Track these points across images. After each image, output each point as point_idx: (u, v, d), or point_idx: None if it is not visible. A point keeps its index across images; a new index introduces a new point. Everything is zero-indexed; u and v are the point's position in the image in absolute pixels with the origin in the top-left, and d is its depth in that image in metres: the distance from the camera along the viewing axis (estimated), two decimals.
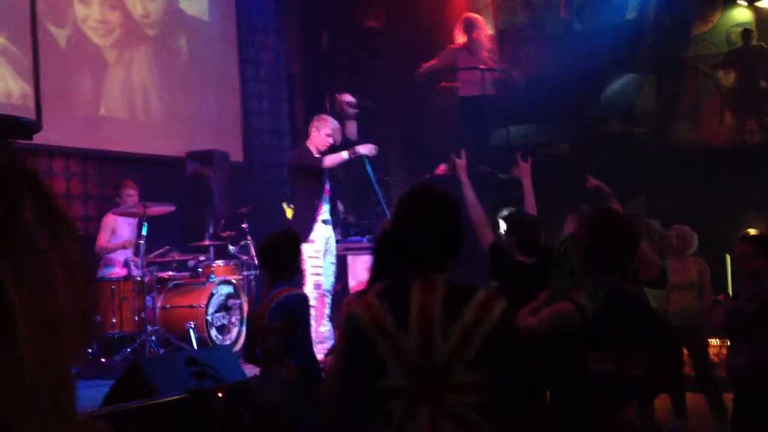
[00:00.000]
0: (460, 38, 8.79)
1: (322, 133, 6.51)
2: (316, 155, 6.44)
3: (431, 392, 2.17)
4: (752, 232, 5.87)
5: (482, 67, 8.73)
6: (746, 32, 10.28)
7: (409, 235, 2.32)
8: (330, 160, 6.40)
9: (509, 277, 4.48)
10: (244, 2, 9.00)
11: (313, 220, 6.26)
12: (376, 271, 3.35)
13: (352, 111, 6.81)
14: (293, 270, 4.14)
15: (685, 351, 5.93)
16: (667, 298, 5.67)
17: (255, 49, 9.11)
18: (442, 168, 8.80)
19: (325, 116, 6.79)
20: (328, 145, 6.51)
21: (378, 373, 2.20)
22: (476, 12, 9.31)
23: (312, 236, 6.19)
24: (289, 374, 3.81)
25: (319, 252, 6.23)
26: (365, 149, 6.58)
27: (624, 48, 9.50)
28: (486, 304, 2.20)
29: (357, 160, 6.83)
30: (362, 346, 2.25)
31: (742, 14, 10.93)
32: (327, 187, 6.50)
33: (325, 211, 6.40)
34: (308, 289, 5.96)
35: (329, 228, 6.43)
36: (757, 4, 10.70)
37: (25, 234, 0.58)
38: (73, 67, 7.10)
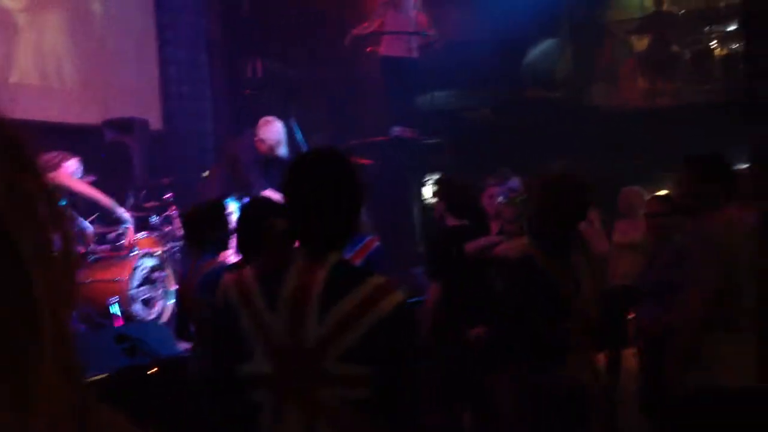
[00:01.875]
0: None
1: (256, 138, 6.36)
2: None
3: (301, 383, 1.94)
4: (661, 192, 6.10)
5: (411, 27, 8.70)
6: None
7: (291, 207, 2.07)
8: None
9: (443, 242, 4.56)
10: None
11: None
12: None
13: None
14: (221, 241, 4.06)
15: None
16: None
17: (173, 14, 8.83)
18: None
19: (267, 119, 6.52)
20: (261, 150, 6.34)
21: (244, 354, 1.96)
22: None
23: None
24: None
25: None
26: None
27: (544, 14, 9.64)
28: (378, 292, 1.94)
29: (289, 129, 6.76)
30: (229, 322, 2.02)
31: None
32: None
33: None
34: None
35: None
36: None
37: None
38: None
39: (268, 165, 6.30)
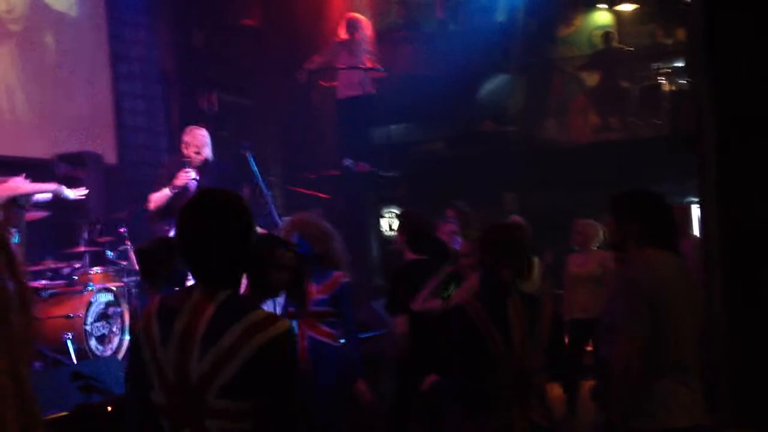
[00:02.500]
0: (343, 35, 8.82)
1: (182, 145, 6.21)
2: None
3: (190, 414, 2.02)
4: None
5: (363, 66, 8.80)
6: (607, 35, 10.92)
7: (182, 247, 2.11)
8: (155, 202, 6.03)
9: (404, 276, 4.58)
10: None
11: None
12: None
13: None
14: (176, 276, 4.01)
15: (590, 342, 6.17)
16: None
17: (126, 46, 8.78)
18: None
19: (190, 127, 6.41)
20: (188, 157, 6.15)
21: (148, 384, 2.08)
22: (356, 12, 9.38)
23: None
24: None
25: None
26: (182, 180, 6.04)
27: (496, 49, 9.85)
28: (255, 326, 1.99)
29: (244, 160, 6.72)
30: (135, 353, 2.17)
31: (602, 17, 11.61)
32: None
33: None
34: None
35: None
36: (617, 7, 11.38)
37: None
38: None
39: (201, 172, 6.23)
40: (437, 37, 10.18)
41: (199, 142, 6.19)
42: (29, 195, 5.90)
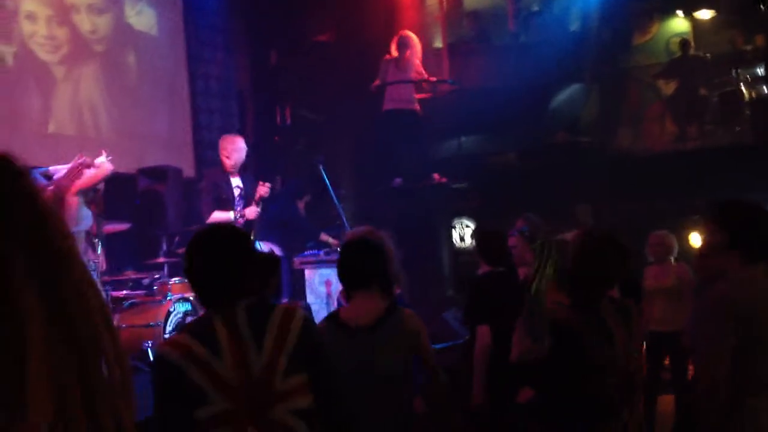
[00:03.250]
0: (393, 52, 8.86)
1: (222, 155, 6.43)
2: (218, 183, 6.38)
3: (255, 409, 2.27)
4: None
5: (414, 77, 8.79)
6: (684, 42, 10.65)
7: (201, 275, 2.41)
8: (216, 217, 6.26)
9: (481, 289, 4.56)
10: (192, 17, 8.95)
11: None
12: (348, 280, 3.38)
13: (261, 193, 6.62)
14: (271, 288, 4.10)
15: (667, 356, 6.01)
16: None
17: (204, 64, 9.07)
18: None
19: (226, 137, 6.64)
20: (229, 167, 6.40)
21: (197, 402, 2.24)
22: (426, 26, 9.43)
23: None
24: None
25: None
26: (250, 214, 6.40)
27: (569, 59, 9.73)
28: (286, 316, 2.37)
29: (317, 172, 6.84)
30: (176, 380, 2.26)
31: (679, 25, 11.34)
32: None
33: None
34: None
35: None
36: (695, 14, 11.10)
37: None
38: (21, 84, 6.97)
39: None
40: (509, 49, 10.13)
41: (238, 148, 6.44)
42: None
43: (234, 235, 2.47)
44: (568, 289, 3.23)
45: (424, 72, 8.90)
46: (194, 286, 2.44)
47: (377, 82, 8.82)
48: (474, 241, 4.88)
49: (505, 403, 4.30)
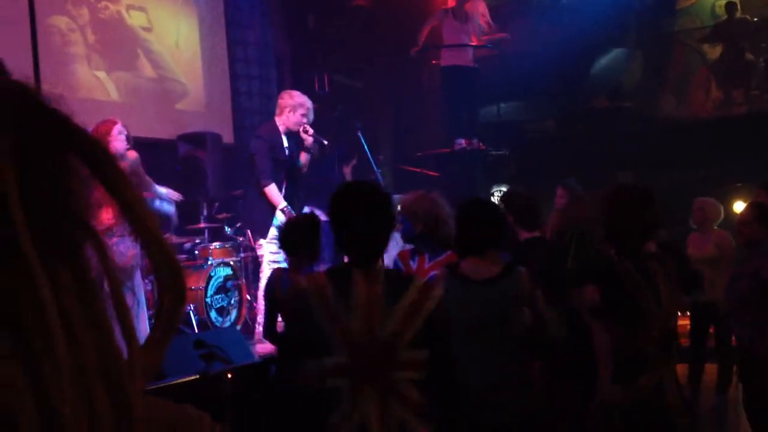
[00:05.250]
0: (451, 1, 8.74)
1: (297, 113, 6.00)
2: (278, 148, 5.96)
3: (376, 370, 2.35)
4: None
5: (468, 42, 8.70)
6: (730, 5, 10.36)
7: (344, 230, 2.49)
8: (269, 193, 5.89)
9: (521, 255, 4.53)
10: None
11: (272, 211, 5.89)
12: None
13: (310, 142, 6.09)
14: (316, 252, 4.13)
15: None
16: None
17: (242, 30, 9.05)
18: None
19: (297, 93, 6.21)
20: (301, 124, 6.01)
21: (322, 349, 2.35)
22: None
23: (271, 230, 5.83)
24: None
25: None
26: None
27: (611, 23, 9.53)
28: (424, 290, 2.44)
29: (355, 138, 6.79)
30: (306, 318, 2.40)
31: None
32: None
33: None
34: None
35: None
36: None
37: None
38: (65, 52, 7.04)
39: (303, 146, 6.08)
40: (550, 11, 9.94)
41: (312, 111, 6.14)
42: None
43: (386, 196, 2.54)
44: (611, 241, 3.24)
45: (487, 31, 8.75)
46: (342, 237, 2.50)
47: (425, 33, 8.73)
48: (504, 206, 4.81)
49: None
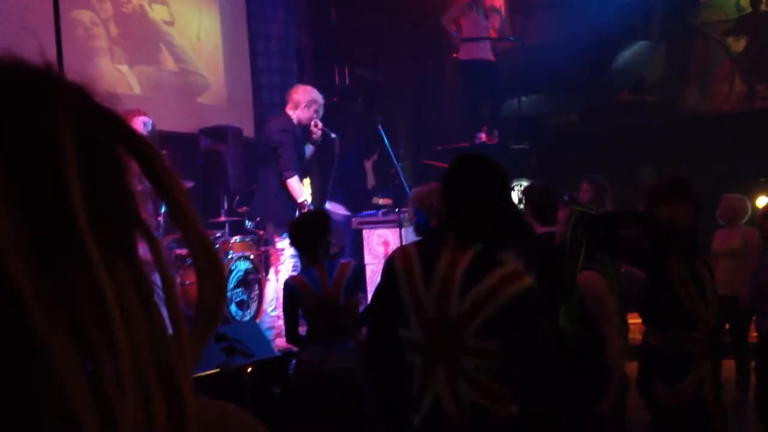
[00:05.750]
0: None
1: (311, 108, 6.12)
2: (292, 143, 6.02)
3: (446, 350, 2.23)
4: None
5: (486, 35, 8.67)
6: None
7: (448, 200, 2.35)
8: (292, 185, 5.97)
9: (533, 249, 4.50)
10: None
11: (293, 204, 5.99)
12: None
13: (318, 135, 6.24)
14: (327, 248, 4.17)
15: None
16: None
17: (264, 24, 9.07)
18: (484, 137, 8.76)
19: (310, 89, 6.29)
20: (313, 119, 6.13)
21: (400, 317, 2.28)
22: None
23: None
24: (359, 342, 3.87)
25: None
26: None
27: (634, 16, 9.44)
28: (507, 277, 2.20)
29: (376, 132, 6.80)
30: (392, 287, 2.34)
31: None
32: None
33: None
34: (286, 271, 5.85)
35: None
36: None
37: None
38: (88, 46, 7.09)
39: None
40: (572, 5, 9.86)
41: (320, 100, 6.26)
42: None
43: (499, 170, 2.35)
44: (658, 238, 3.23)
45: (502, 22, 8.76)
46: (448, 207, 2.35)
47: (453, 25, 8.73)
48: (524, 199, 4.79)
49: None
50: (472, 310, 2.19)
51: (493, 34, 8.78)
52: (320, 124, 6.20)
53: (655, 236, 3.22)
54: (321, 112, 6.20)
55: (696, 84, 10.46)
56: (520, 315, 2.19)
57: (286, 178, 5.96)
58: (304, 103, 6.10)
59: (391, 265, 2.37)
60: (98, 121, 0.60)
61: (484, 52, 8.75)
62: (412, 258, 2.31)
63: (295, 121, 6.12)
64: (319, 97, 6.18)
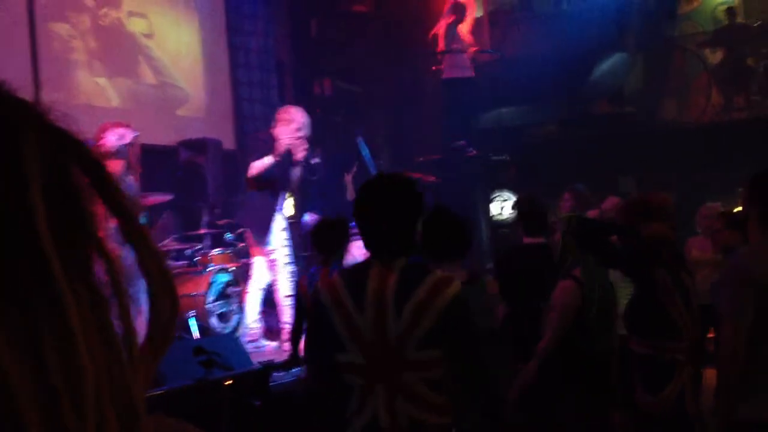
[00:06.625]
0: (449, 17, 8.82)
1: (291, 127, 6.09)
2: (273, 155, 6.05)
3: (386, 369, 2.29)
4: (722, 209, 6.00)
5: (471, 49, 8.74)
6: (731, 10, 10.39)
7: (365, 223, 2.39)
8: (256, 168, 6.05)
9: (520, 260, 4.52)
10: None
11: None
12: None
13: (300, 157, 6.32)
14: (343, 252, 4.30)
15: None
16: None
17: (244, 36, 9.07)
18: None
19: (293, 109, 6.33)
20: (296, 139, 6.11)
21: (337, 347, 2.33)
22: None
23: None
24: None
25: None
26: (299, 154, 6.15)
27: (612, 28, 9.54)
28: (437, 286, 2.28)
29: (355, 145, 6.82)
30: (323, 321, 2.37)
31: None
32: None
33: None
34: (284, 279, 6.03)
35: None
36: None
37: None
38: (66, 59, 7.06)
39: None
40: (551, 17, 9.96)
41: (308, 125, 6.31)
42: None
43: (409, 187, 2.41)
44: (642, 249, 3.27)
45: (476, 39, 8.85)
46: (361, 232, 2.40)
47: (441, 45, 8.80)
48: (517, 210, 4.82)
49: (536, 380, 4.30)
50: (410, 324, 2.25)
51: (472, 48, 8.84)
52: (302, 148, 6.18)
53: (639, 247, 3.26)
54: (306, 131, 6.19)
55: (674, 95, 10.58)
56: (456, 318, 2.28)
57: (250, 170, 6.04)
58: (282, 122, 6.12)
59: (317, 299, 2.43)
60: (55, 143, 0.60)
61: (464, 68, 8.82)
62: (339, 288, 2.35)
63: (278, 139, 6.10)
64: (302, 118, 6.19)
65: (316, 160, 6.48)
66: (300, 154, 6.16)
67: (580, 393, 3.68)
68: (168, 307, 0.62)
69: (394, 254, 2.33)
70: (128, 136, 5.48)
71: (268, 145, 6.08)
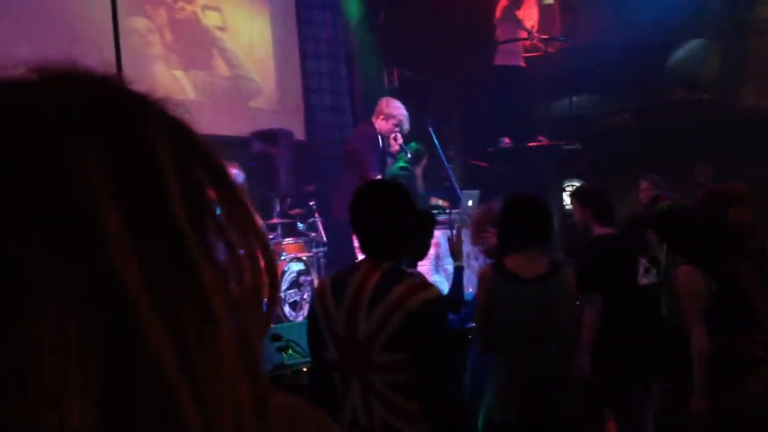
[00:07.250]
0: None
1: (389, 122, 6.43)
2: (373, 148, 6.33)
3: (357, 367, 2.37)
4: None
5: (528, 38, 8.63)
6: None
7: (356, 225, 2.50)
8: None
9: (595, 252, 4.46)
10: None
11: None
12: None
13: (396, 149, 6.56)
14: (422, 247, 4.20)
15: None
16: None
17: (314, 27, 9.14)
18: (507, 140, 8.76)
19: (394, 104, 6.56)
20: (393, 132, 6.42)
21: (322, 344, 2.43)
22: None
23: None
24: None
25: None
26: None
27: (688, 12, 9.28)
28: (413, 289, 2.33)
29: (426, 133, 6.89)
30: (312, 319, 2.49)
31: None
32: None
33: None
34: None
35: None
36: None
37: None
38: (144, 53, 7.24)
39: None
40: (624, 3, 9.73)
41: (404, 114, 6.54)
42: None
43: (396, 192, 2.51)
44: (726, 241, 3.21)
45: (534, 29, 8.73)
46: (356, 231, 2.53)
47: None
48: (579, 201, 4.73)
49: (614, 376, 4.23)
50: (379, 324, 2.31)
51: (540, 36, 8.72)
52: (400, 139, 6.48)
53: (723, 238, 3.18)
54: (405, 126, 6.36)
55: (753, 81, 10.23)
56: (423, 322, 2.30)
57: (369, 179, 6.12)
58: (382, 116, 6.45)
59: (312, 303, 2.56)
60: (179, 133, 0.62)
61: (515, 58, 8.72)
62: (325, 286, 2.48)
63: (377, 130, 6.47)
64: (399, 113, 6.38)
65: (410, 155, 6.72)
66: (395, 148, 6.40)
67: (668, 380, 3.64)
68: (271, 284, 0.64)
69: (383, 256, 2.43)
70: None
71: (365, 138, 6.36)
